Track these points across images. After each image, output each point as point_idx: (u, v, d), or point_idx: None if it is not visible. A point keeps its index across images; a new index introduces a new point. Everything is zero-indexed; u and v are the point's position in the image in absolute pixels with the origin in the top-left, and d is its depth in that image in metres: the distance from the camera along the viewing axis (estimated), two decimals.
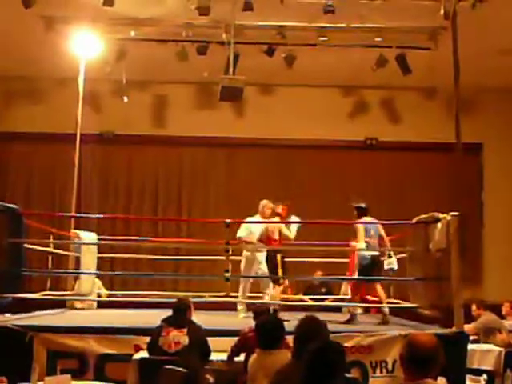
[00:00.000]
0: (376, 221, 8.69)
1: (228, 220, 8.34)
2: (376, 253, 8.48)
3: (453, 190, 8.11)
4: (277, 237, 9.15)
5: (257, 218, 9.30)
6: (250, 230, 9.21)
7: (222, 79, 9.38)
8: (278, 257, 8.97)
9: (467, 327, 7.64)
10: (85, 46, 10.71)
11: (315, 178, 13.86)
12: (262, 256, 9.21)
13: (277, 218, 9.24)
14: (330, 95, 13.84)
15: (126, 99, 12.63)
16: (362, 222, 8.53)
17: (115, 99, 13.06)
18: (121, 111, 13.14)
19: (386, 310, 8.33)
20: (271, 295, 9.01)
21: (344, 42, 11.21)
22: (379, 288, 8.57)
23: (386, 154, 13.97)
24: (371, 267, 8.40)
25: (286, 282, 9.73)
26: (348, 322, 8.33)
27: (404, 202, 12.90)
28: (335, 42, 11.12)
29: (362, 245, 8.41)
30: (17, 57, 12.23)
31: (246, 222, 9.23)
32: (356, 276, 8.69)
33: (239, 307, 9.35)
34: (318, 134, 13.57)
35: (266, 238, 9.19)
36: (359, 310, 9.07)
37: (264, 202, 9.31)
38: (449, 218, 7.16)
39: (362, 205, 8.78)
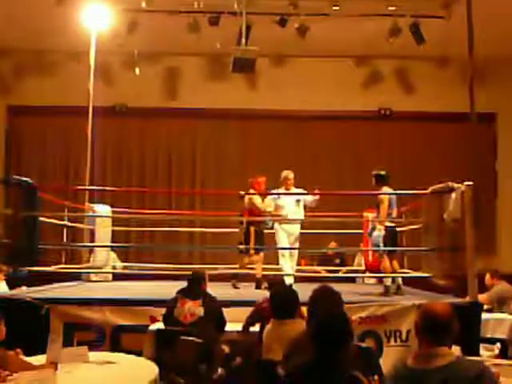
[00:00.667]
0: (393, 191, 8.25)
1: (242, 192, 8.34)
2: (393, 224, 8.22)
3: (467, 159, 8.04)
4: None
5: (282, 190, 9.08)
6: (275, 202, 9.03)
7: (235, 50, 9.32)
8: (252, 228, 8.77)
9: (481, 297, 7.65)
10: (96, 18, 10.64)
11: (329, 149, 13.86)
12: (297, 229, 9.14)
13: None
14: (344, 65, 13.72)
15: (137, 71, 12.60)
16: (383, 193, 8.07)
17: (127, 72, 13.04)
18: (133, 84, 13.09)
19: (389, 283, 8.03)
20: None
21: (357, 12, 11.10)
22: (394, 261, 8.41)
23: (399, 124, 13.93)
24: (389, 239, 8.07)
25: (261, 254, 9.14)
26: (384, 294, 7.91)
27: (418, 172, 12.84)
28: (348, 12, 11.02)
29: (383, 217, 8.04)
30: (28, 29, 12.16)
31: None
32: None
33: None
34: (331, 105, 13.50)
35: (244, 210, 8.98)
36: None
37: (284, 174, 9.18)
38: (463, 187, 7.14)
39: (382, 172, 8.22)
